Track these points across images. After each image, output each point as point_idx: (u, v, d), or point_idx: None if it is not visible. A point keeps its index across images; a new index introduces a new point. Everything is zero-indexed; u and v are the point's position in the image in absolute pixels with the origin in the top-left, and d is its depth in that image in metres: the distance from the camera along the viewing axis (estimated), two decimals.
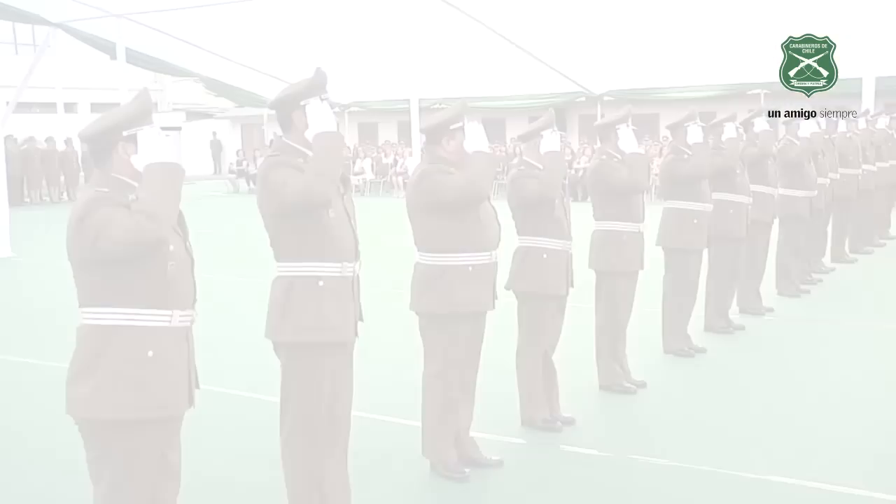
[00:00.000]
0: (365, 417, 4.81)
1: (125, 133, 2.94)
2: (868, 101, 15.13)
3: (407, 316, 4.46)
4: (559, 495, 4.17)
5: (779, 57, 17.79)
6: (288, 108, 3.56)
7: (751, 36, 17.29)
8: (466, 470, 4.35)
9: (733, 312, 7.46)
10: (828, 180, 9.20)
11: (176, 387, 2.97)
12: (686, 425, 5.09)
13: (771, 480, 4.27)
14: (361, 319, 3.75)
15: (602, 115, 20.81)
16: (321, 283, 3.52)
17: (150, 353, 2.89)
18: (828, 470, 4.37)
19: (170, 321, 2.95)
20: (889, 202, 12.48)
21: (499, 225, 4.37)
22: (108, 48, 23.13)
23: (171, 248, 2.92)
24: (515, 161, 5.11)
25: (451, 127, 4.24)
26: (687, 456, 4.57)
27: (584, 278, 5.51)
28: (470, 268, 4.22)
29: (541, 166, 4.86)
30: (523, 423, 5.02)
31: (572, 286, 5.04)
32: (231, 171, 26.31)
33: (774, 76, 21.00)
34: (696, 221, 6.45)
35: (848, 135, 10.30)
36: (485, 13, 18.95)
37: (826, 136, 9.58)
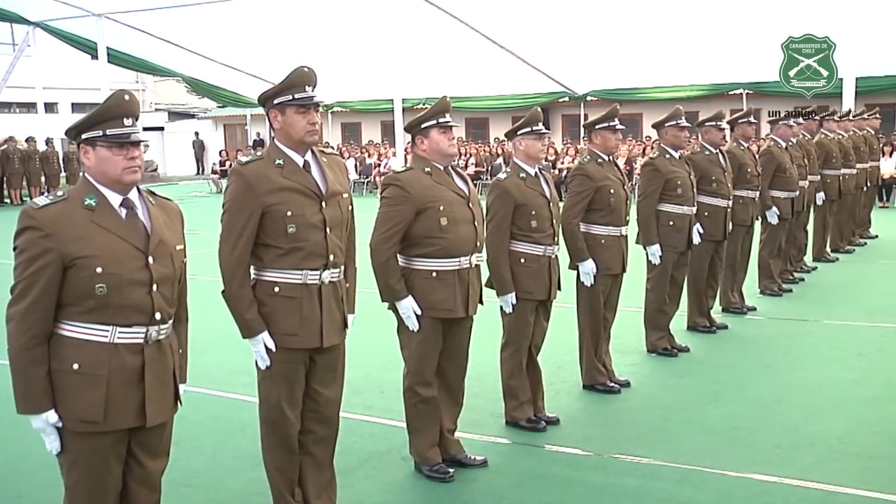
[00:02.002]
0: (349, 418, 4.80)
1: (84, 136, 2.87)
2: (849, 102, 15.24)
3: (390, 316, 4.45)
4: (543, 495, 4.16)
5: (761, 57, 17.91)
6: (266, 108, 3.59)
7: (733, 36, 17.42)
8: (451, 470, 4.35)
9: (716, 312, 7.50)
10: (807, 182, 9.24)
11: (110, 403, 2.83)
12: (669, 424, 5.11)
13: (754, 479, 4.28)
14: (346, 325, 3.72)
15: (585, 115, 20.87)
16: (276, 289, 3.52)
17: (75, 367, 2.81)
18: (810, 468, 4.39)
19: (108, 337, 2.84)
20: (869, 202, 12.58)
21: (476, 229, 4.28)
22: (89, 48, 23.00)
23: (99, 270, 2.78)
24: (498, 162, 5.10)
25: (423, 125, 4.23)
26: (670, 454, 4.59)
27: (570, 278, 5.52)
28: (434, 273, 4.18)
29: (528, 168, 4.86)
30: (507, 423, 5.02)
31: (560, 289, 5.02)
32: (214, 172, 26.17)
33: (756, 76, 21.19)
34: (671, 224, 6.46)
35: (830, 136, 10.37)
36: (468, 14, 18.98)
37: (807, 137, 9.64)
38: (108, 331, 2.83)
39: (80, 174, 2.97)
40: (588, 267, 5.48)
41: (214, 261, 3.53)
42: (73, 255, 2.77)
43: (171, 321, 2.99)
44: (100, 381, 2.82)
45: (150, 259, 2.89)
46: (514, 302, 4.82)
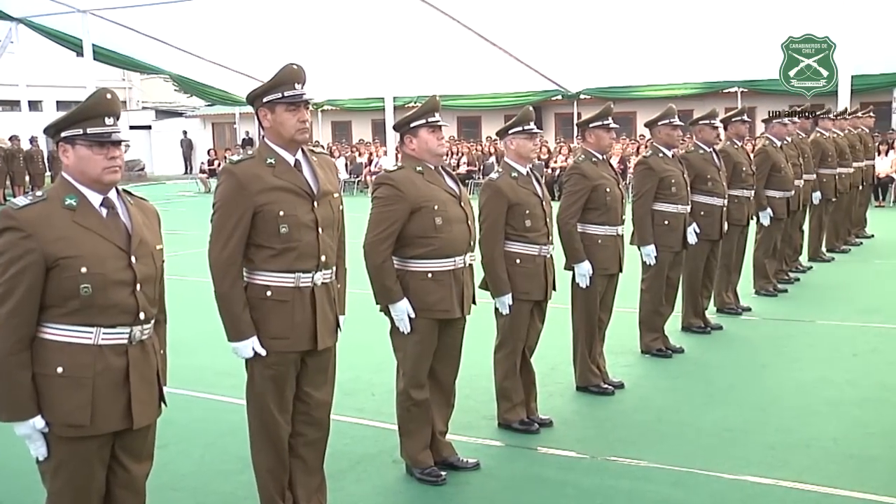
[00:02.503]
0: (340, 420, 4.74)
1: (63, 134, 2.82)
2: (844, 100, 15.26)
3: (381, 317, 4.39)
4: (536, 497, 4.13)
5: (755, 55, 17.95)
6: (255, 106, 3.53)
7: (727, 34, 17.43)
8: (443, 473, 4.30)
9: (710, 312, 7.46)
10: (802, 181, 9.21)
11: (96, 406, 2.78)
12: (663, 426, 5.07)
13: (748, 481, 4.25)
14: (339, 328, 3.68)
15: (579, 114, 20.87)
16: (269, 292, 3.46)
17: (59, 370, 2.75)
18: (805, 469, 4.36)
19: (92, 339, 2.79)
20: (865, 201, 12.58)
21: (469, 228, 4.26)
22: (74, 45, 22.86)
23: (84, 270, 2.74)
24: (491, 161, 5.05)
25: (412, 125, 4.17)
26: (664, 456, 4.55)
27: (564, 278, 5.47)
28: (430, 274, 4.14)
29: (520, 167, 4.80)
30: (500, 425, 4.97)
31: (555, 290, 4.97)
32: (202, 171, 26.04)
33: (751, 74, 21.22)
34: (666, 223, 6.42)
35: (825, 135, 10.35)
36: (460, 11, 18.95)
37: (802, 136, 9.61)
38: (92, 332, 2.78)
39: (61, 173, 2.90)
40: (584, 269, 5.42)
41: (203, 261, 3.47)
42: (56, 255, 2.72)
43: (153, 321, 2.96)
44: (85, 384, 2.77)
45: (133, 259, 2.85)
46: (511, 303, 4.76)
